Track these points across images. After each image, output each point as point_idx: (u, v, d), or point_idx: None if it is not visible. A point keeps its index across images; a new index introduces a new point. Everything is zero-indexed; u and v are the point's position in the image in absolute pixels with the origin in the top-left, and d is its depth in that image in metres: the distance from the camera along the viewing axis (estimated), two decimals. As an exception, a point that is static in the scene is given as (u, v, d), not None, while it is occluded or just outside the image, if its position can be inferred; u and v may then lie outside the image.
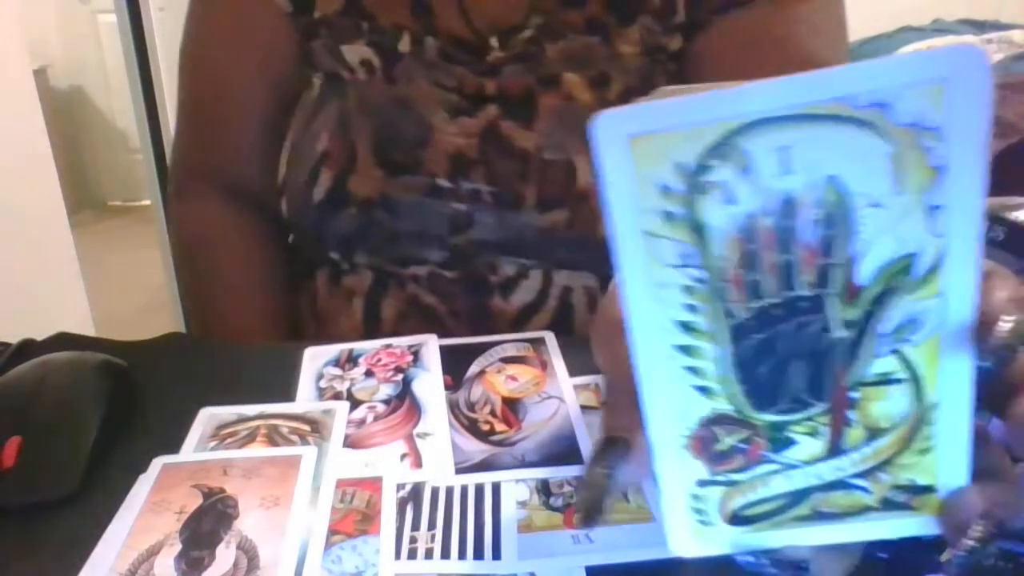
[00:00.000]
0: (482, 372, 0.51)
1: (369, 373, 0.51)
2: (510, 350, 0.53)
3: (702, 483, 0.27)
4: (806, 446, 0.26)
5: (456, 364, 0.52)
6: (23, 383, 0.46)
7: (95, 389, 0.47)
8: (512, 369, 0.51)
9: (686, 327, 0.25)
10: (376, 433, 0.45)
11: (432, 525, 0.38)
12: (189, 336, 0.65)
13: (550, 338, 0.55)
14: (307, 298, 0.68)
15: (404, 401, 0.48)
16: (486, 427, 0.46)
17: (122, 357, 0.50)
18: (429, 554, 0.37)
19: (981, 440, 0.25)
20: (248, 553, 0.37)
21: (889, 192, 0.22)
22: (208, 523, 0.38)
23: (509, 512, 0.39)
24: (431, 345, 0.54)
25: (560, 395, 0.48)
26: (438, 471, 0.42)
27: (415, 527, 0.38)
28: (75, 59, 3.36)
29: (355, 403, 0.48)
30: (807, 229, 0.23)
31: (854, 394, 0.25)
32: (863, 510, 0.26)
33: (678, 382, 0.26)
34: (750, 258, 0.24)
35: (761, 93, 0.22)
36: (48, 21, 3.26)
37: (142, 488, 0.41)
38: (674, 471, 0.27)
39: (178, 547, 0.37)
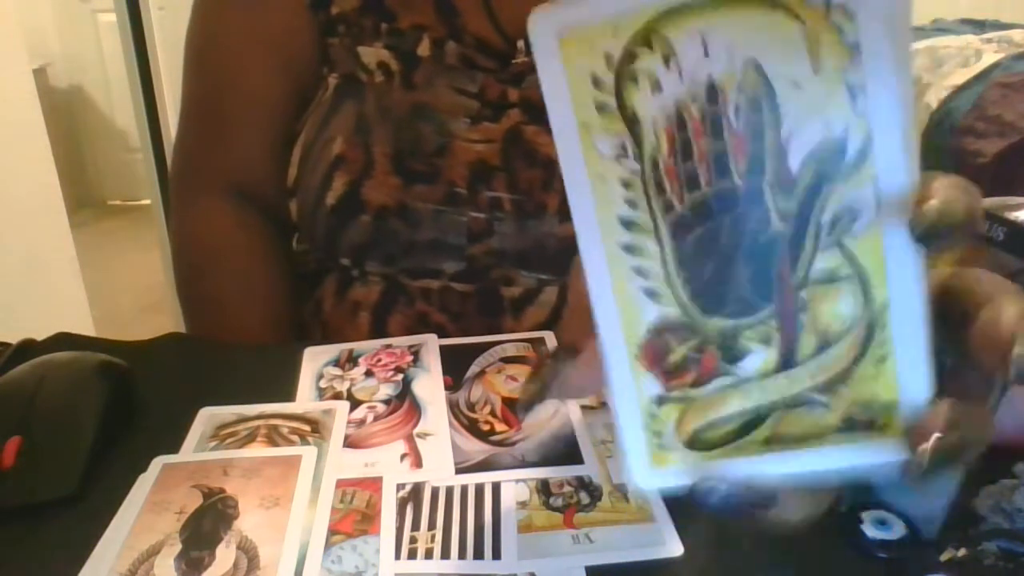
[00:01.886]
0: (482, 372, 0.51)
1: (369, 373, 0.51)
2: (510, 350, 0.53)
3: (657, 400, 0.27)
4: (759, 356, 0.26)
5: (456, 364, 0.52)
6: (23, 383, 0.46)
7: (95, 389, 0.47)
8: (512, 369, 0.51)
9: (627, 224, 0.25)
10: (376, 433, 0.45)
11: (432, 525, 0.38)
12: (189, 336, 0.65)
13: (550, 338, 0.55)
14: (313, 305, 0.66)
15: (404, 401, 0.48)
16: (486, 427, 0.46)
17: (122, 357, 0.50)
18: (429, 554, 0.37)
19: (951, 369, 0.25)
20: (248, 553, 0.37)
21: (807, 73, 0.23)
22: (208, 523, 0.38)
23: (509, 512, 0.39)
24: (431, 345, 0.54)
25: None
26: (438, 471, 0.42)
27: (415, 527, 0.38)
28: (75, 58, 3.36)
29: (355, 403, 0.48)
30: (734, 116, 0.24)
31: (802, 294, 0.25)
32: (824, 432, 0.26)
33: (625, 283, 0.26)
34: (682, 147, 0.24)
35: None
36: (48, 20, 3.26)
37: (142, 488, 0.41)
38: (627, 386, 0.27)
39: (178, 547, 0.37)
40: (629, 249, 0.26)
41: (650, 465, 0.27)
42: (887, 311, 0.24)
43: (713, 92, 0.23)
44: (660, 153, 0.24)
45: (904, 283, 0.24)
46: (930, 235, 0.23)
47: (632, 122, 0.24)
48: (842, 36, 0.22)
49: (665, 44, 0.23)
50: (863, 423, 0.25)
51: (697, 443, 0.27)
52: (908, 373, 0.25)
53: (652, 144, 0.24)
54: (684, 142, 0.24)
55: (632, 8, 0.23)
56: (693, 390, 0.26)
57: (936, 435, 0.24)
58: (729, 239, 0.25)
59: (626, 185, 0.25)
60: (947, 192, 0.22)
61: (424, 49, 0.59)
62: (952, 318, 0.25)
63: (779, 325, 0.25)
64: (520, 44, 0.60)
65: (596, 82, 0.24)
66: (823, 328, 0.25)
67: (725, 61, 0.23)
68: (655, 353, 0.26)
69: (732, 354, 0.26)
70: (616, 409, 0.27)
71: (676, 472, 0.27)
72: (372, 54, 0.60)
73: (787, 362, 0.25)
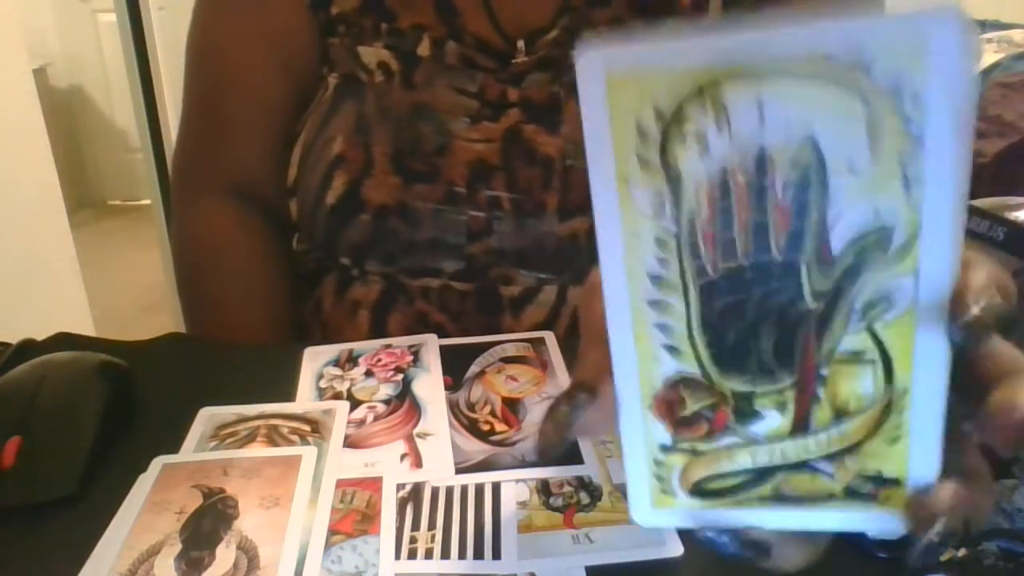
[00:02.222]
0: (482, 372, 0.51)
1: (369, 373, 0.51)
2: (510, 350, 0.53)
3: (665, 448, 0.27)
4: (772, 421, 0.25)
5: (456, 364, 0.52)
6: (23, 383, 0.46)
7: (95, 389, 0.47)
8: (512, 369, 0.51)
9: (656, 280, 0.25)
10: (376, 433, 0.45)
11: (432, 525, 0.38)
12: (189, 336, 0.65)
13: (550, 338, 0.55)
14: (312, 305, 0.66)
15: (404, 401, 0.48)
16: (486, 427, 0.46)
17: (122, 357, 0.50)
18: (429, 554, 0.37)
19: (958, 442, 0.25)
20: (248, 553, 0.37)
21: (865, 158, 0.22)
22: (208, 523, 0.38)
23: (509, 512, 0.39)
24: (431, 345, 0.54)
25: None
26: (438, 471, 0.42)
27: (415, 527, 0.38)
28: (75, 58, 3.36)
29: (355, 403, 0.48)
30: (781, 190, 0.23)
31: (823, 371, 0.24)
32: (826, 497, 0.26)
33: (646, 338, 0.26)
34: (723, 214, 0.24)
35: (744, 43, 0.22)
36: (47, 20, 3.26)
37: (142, 488, 0.41)
38: (637, 431, 0.27)
39: (178, 547, 0.37)
40: (654, 305, 0.25)
41: (652, 505, 0.28)
42: (907, 396, 0.24)
43: (763, 162, 0.23)
44: (699, 216, 0.24)
45: (929, 373, 0.23)
46: (965, 341, 0.23)
47: (675, 181, 0.24)
48: (907, 125, 0.21)
49: (720, 105, 0.22)
50: (865, 495, 0.25)
51: (699, 491, 0.27)
52: (919, 455, 0.24)
53: (692, 206, 0.24)
54: (725, 209, 0.24)
55: (690, 62, 0.22)
56: (701, 443, 0.27)
57: (940, 520, 0.24)
58: (758, 309, 0.24)
59: (659, 243, 0.24)
60: (986, 295, 0.22)
61: (424, 49, 0.60)
62: (964, 385, 0.25)
63: (796, 396, 0.25)
64: (520, 44, 0.60)
65: (642, 133, 0.23)
66: (840, 404, 0.25)
67: (780, 132, 0.22)
68: (668, 404, 0.26)
69: (745, 415, 0.26)
70: (624, 449, 0.27)
71: (676, 515, 0.28)
72: (372, 54, 0.60)
73: (799, 429, 0.25)
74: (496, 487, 0.41)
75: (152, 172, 2.10)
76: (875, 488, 0.25)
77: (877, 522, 0.26)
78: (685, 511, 0.27)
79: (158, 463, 0.43)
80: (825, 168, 0.22)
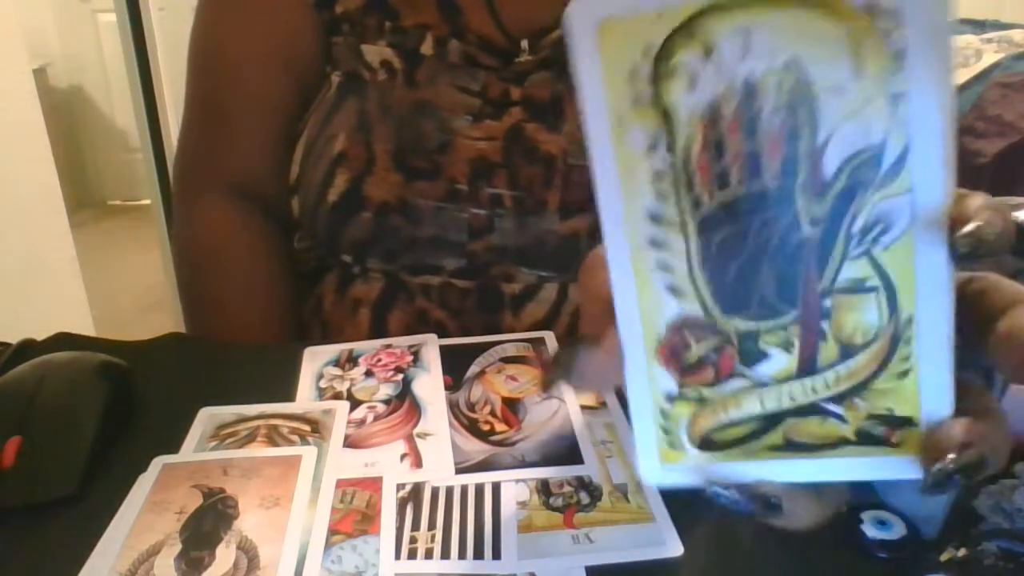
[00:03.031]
0: (482, 372, 0.51)
1: (369, 373, 0.51)
2: (510, 350, 0.53)
3: (671, 397, 0.27)
4: (778, 361, 0.25)
5: (456, 364, 0.52)
6: (23, 383, 0.46)
7: (95, 389, 0.47)
8: (512, 369, 0.51)
9: (654, 218, 0.25)
10: (376, 433, 0.45)
11: (432, 525, 0.38)
12: (189, 336, 0.65)
13: (550, 338, 0.55)
14: (313, 303, 0.66)
15: (404, 401, 0.48)
16: (486, 427, 0.46)
17: (122, 357, 0.50)
18: (429, 554, 0.37)
19: (970, 384, 0.25)
20: (248, 553, 0.37)
21: (849, 77, 0.22)
22: (208, 523, 0.38)
23: (509, 512, 0.39)
24: (431, 345, 0.54)
25: (560, 395, 0.48)
26: (438, 471, 0.42)
27: (415, 527, 0.38)
28: (75, 58, 3.36)
29: (355, 403, 0.48)
30: (770, 116, 0.23)
31: (826, 302, 0.24)
32: (838, 443, 0.25)
33: (648, 281, 0.26)
34: (716, 144, 0.24)
35: None
36: (48, 20, 3.26)
37: (142, 488, 0.41)
38: (642, 380, 0.27)
39: (178, 547, 0.37)
40: (654, 243, 0.25)
41: (660, 461, 0.27)
42: (913, 325, 0.24)
43: (751, 90, 0.23)
44: (693, 149, 0.24)
45: (933, 298, 0.23)
46: (968, 257, 0.22)
47: (667, 116, 0.24)
48: (887, 43, 0.22)
49: (707, 39, 0.23)
50: (878, 437, 0.25)
51: (708, 443, 0.27)
52: (930, 390, 0.24)
53: (686, 139, 0.24)
54: (718, 139, 0.24)
55: (674, 3, 0.23)
56: (708, 389, 0.26)
57: (951, 455, 0.23)
58: (756, 240, 0.24)
59: (656, 178, 0.25)
60: (986, 214, 0.22)
61: (427, 47, 0.60)
62: (969, 322, 0.24)
63: (801, 331, 0.25)
64: (524, 44, 0.60)
65: (633, 74, 0.24)
66: (846, 338, 0.24)
67: (766, 60, 0.23)
68: (673, 349, 0.26)
69: (751, 356, 0.26)
70: (630, 401, 0.27)
71: (685, 471, 0.27)
72: (375, 52, 0.60)
73: (806, 369, 0.25)
74: (496, 487, 0.41)
75: (152, 172, 2.10)
76: (888, 430, 0.25)
77: (892, 467, 0.25)
78: (694, 467, 0.27)
79: (158, 463, 0.43)
80: (811, 91, 0.23)
